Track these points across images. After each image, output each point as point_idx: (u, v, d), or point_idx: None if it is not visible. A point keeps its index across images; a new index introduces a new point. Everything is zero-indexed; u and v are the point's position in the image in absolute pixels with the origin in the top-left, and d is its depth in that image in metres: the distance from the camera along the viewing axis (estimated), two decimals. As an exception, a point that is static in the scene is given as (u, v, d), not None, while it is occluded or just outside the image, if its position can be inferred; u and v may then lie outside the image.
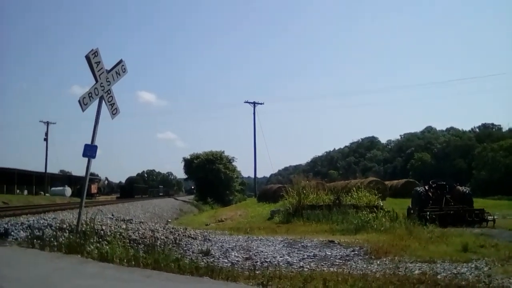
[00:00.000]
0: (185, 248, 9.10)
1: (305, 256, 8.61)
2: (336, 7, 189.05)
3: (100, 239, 8.16)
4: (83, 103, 8.25)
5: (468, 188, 21.15)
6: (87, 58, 8.23)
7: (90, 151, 8.45)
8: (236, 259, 8.11)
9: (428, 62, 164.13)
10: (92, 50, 8.31)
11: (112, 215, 13.41)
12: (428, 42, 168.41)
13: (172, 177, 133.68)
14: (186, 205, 51.25)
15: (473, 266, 7.28)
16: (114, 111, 9.06)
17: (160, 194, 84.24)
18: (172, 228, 11.31)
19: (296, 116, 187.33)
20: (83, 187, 8.90)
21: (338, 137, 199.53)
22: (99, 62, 8.44)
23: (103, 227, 9.14)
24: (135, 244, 8.56)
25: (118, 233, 8.83)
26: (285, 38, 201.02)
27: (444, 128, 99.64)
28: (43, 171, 54.71)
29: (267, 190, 40.34)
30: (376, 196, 21.56)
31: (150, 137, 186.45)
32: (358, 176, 34.85)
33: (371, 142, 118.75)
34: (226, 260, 7.97)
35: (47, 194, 49.03)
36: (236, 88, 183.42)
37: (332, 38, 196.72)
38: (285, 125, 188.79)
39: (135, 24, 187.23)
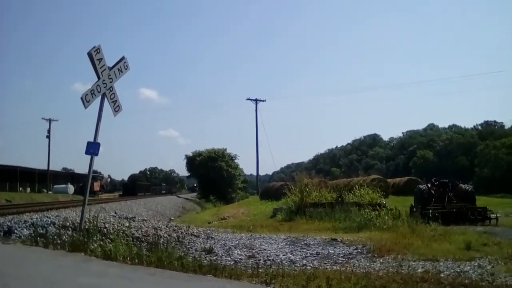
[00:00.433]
0: (188, 246, 9.13)
1: (308, 254, 8.60)
2: (336, 7, 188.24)
3: (104, 237, 8.19)
4: (86, 100, 8.23)
5: (470, 186, 21.13)
6: (89, 55, 8.20)
7: (92, 148, 8.42)
8: (239, 257, 8.12)
9: (430, 60, 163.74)
10: (94, 47, 8.29)
11: (115, 213, 13.43)
12: (430, 39, 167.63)
13: (175, 175, 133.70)
14: (189, 203, 51.38)
15: (476, 264, 7.27)
16: (116, 108, 9.05)
17: (163, 191, 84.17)
18: (175, 226, 11.34)
19: (298, 113, 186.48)
20: (86, 185, 8.89)
21: (340, 134, 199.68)
22: (101, 59, 8.42)
23: (106, 225, 9.18)
24: (138, 242, 8.59)
25: (121, 231, 8.85)
26: (285, 38, 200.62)
27: (446, 126, 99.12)
28: (46, 168, 54.90)
29: (269, 188, 40.27)
30: (379, 194, 21.57)
31: (152, 135, 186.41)
32: (360, 173, 34.56)
33: (373, 140, 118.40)
34: (229, 258, 7.98)
35: (49, 192, 49.19)
36: (238, 86, 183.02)
37: (332, 36, 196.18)
38: (287, 122, 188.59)
39: (137, 21, 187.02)
